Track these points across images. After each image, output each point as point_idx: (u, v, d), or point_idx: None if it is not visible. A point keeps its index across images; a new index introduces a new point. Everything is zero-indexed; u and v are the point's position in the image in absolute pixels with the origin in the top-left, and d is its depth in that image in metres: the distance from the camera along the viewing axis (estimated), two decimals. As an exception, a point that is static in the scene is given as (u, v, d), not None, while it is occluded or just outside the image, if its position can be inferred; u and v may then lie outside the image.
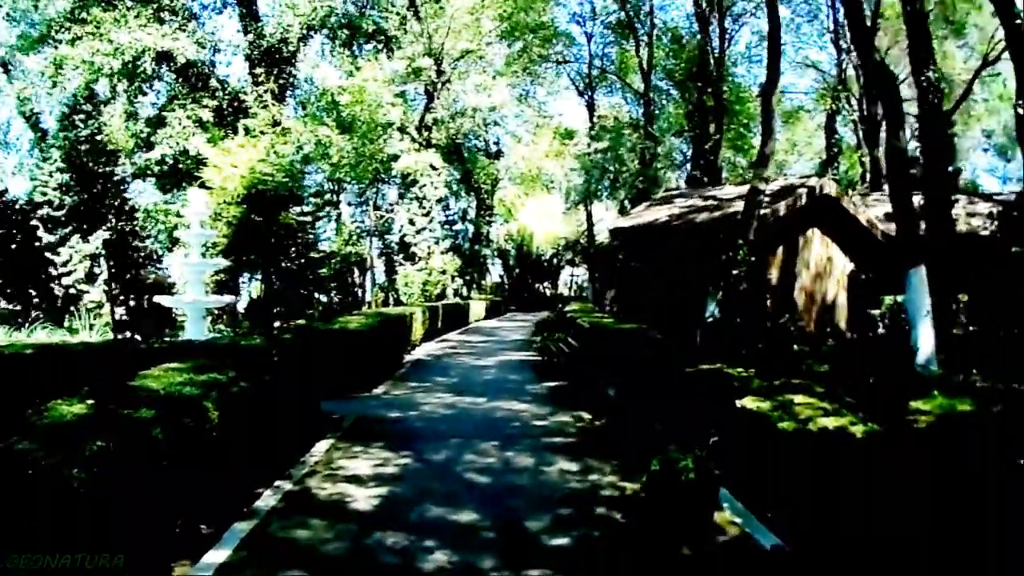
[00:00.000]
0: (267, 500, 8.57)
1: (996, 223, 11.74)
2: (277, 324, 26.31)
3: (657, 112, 51.83)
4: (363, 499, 8.66)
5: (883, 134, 46.41)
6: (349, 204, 56.91)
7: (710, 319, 21.54)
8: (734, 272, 21.23)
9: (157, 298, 23.98)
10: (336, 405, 14.27)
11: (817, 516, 7.20)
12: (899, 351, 13.28)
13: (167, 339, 21.25)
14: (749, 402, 8.62)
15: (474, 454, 10.89)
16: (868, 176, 45.65)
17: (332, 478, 9.55)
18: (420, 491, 8.98)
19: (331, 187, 49.86)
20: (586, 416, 14.10)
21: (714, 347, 16.36)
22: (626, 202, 49.06)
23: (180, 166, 33.87)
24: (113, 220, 35.96)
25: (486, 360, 23.59)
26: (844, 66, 47.42)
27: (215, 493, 8.05)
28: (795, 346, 17.79)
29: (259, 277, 30.64)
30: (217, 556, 6.88)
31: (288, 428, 10.97)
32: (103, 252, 34.64)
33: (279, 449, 10.33)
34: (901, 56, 30.49)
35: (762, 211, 22.16)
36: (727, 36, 46.51)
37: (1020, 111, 15.99)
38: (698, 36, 47.29)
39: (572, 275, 72.91)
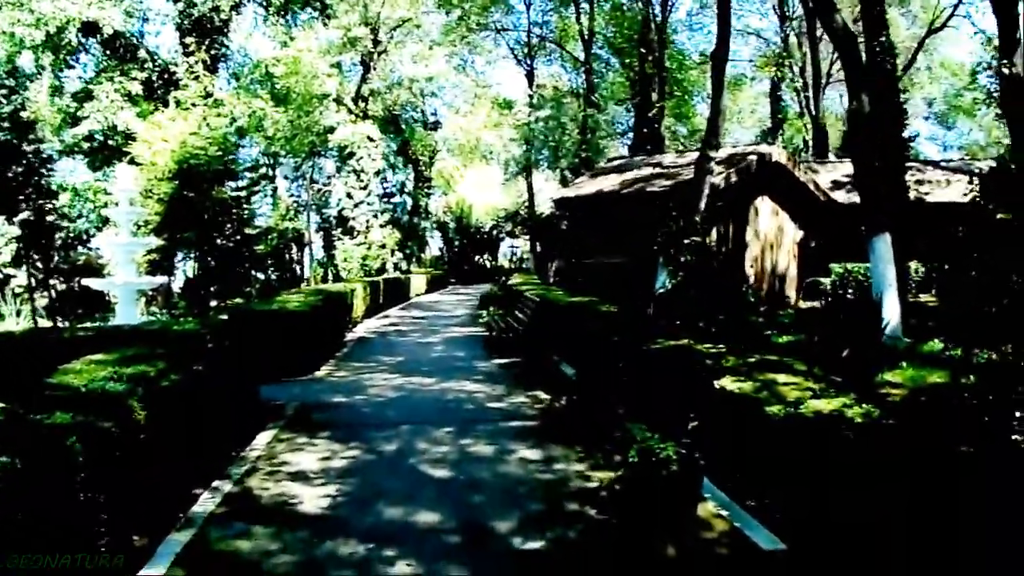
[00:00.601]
0: (205, 504, 7.74)
1: (976, 189, 11.33)
2: (213, 304, 25.27)
3: (598, 81, 51.19)
4: (311, 500, 7.87)
5: (825, 102, 46.72)
6: (285, 178, 55.63)
7: (661, 290, 21.05)
8: (685, 242, 20.74)
9: (86, 281, 22.92)
10: (277, 390, 13.48)
11: (814, 505, 6.63)
12: (865, 322, 12.87)
13: (97, 324, 20.20)
14: (729, 383, 8.04)
15: (428, 443, 10.14)
16: (811, 143, 45.80)
17: (275, 476, 8.75)
18: (373, 489, 8.21)
19: (266, 161, 48.50)
20: (543, 396, 13.45)
21: (667, 318, 15.83)
22: (567, 172, 48.55)
23: (110, 142, 32.51)
24: (34, 200, 34.35)
25: (432, 337, 22.87)
26: (787, 34, 47.36)
27: (147, 499, 7.19)
28: (751, 317, 17.37)
29: (194, 255, 29.43)
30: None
31: (225, 420, 10.18)
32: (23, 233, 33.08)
33: (217, 444, 9.53)
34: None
35: (713, 179, 21.71)
36: (668, 3, 45.95)
37: (1005, 71, 15.60)
38: (639, 3, 46.60)
39: (512, 247, 72.29)
